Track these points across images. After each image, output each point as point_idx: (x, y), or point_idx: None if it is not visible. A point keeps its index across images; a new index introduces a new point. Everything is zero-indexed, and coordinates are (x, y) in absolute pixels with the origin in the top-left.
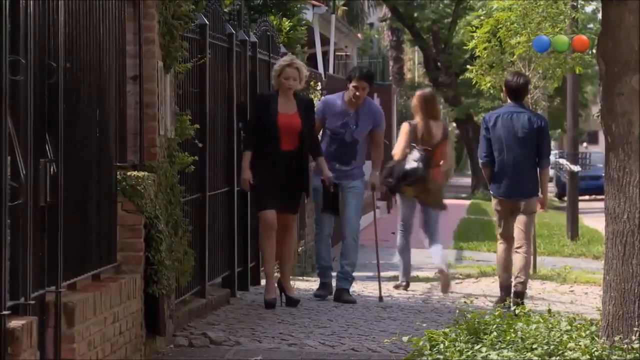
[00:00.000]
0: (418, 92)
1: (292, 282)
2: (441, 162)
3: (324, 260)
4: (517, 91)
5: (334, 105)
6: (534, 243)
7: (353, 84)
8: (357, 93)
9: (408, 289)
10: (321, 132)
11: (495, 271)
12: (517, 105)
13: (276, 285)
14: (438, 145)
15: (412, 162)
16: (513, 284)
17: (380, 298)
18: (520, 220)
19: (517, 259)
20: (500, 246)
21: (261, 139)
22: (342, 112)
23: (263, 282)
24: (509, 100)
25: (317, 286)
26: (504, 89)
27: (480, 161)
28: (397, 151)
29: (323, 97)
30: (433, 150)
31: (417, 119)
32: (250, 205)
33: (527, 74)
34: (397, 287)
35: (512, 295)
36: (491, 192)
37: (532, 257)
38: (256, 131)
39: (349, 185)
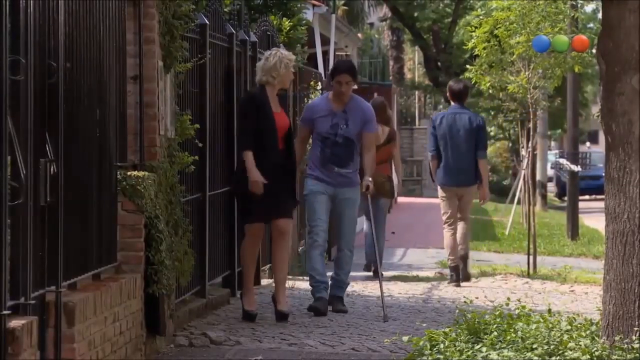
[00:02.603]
0: (372, 100)
1: (292, 282)
2: (392, 160)
3: (318, 274)
4: (459, 94)
5: (320, 108)
6: (534, 242)
7: (336, 79)
8: (342, 89)
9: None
10: (310, 138)
11: (448, 256)
12: (459, 107)
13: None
14: (381, 147)
15: None
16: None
17: (385, 317)
18: (460, 204)
19: (458, 231)
20: (447, 232)
21: (259, 140)
22: (330, 114)
23: (263, 282)
24: (452, 103)
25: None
26: (448, 93)
27: (429, 154)
28: None
29: (307, 104)
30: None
31: None
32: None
33: (527, 73)
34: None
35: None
36: (437, 182)
37: (469, 230)
38: (252, 132)
39: (345, 196)
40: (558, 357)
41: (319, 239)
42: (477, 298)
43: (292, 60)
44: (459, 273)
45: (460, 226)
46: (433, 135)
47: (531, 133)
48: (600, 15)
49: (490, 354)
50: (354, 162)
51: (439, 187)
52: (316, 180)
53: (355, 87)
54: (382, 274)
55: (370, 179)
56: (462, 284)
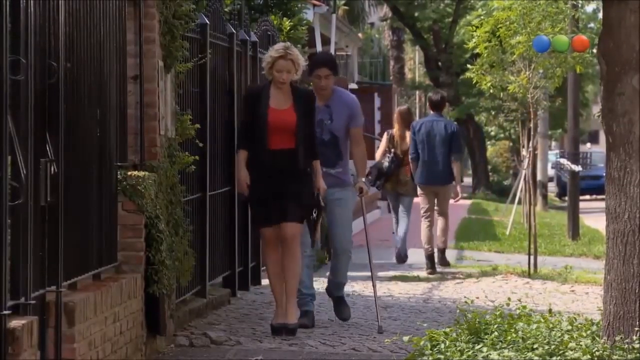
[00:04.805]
0: (398, 108)
1: None
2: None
3: (304, 287)
4: (437, 104)
5: None
6: (535, 242)
7: (315, 74)
8: (322, 83)
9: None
10: None
11: (424, 244)
12: (437, 115)
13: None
14: (407, 150)
15: (386, 163)
16: (436, 244)
17: (380, 328)
18: (438, 200)
19: (438, 226)
20: (424, 224)
21: (251, 137)
22: None
23: (264, 282)
24: (430, 112)
25: (317, 284)
26: (428, 103)
27: (410, 157)
28: (378, 154)
29: None
30: (403, 154)
31: (395, 129)
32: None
33: (527, 73)
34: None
35: (436, 252)
36: (416, 181)
37: (448, 225)
38: (248, 128)
39: (336, 197)
40: (559, 357)
41: (306, 249)
42: (477, 298)
43: (274, 57)
44: (434, 261)
45: (440, 221)
46: (413, 140)
47: (532, 133)
48: (600, 15)
49: (490, 354)
50: (343, 160)
51: (417, 185)
52: None
53: (351, 86)
54: (374, 284)
55: (363, 179)
56: (460, 281)
